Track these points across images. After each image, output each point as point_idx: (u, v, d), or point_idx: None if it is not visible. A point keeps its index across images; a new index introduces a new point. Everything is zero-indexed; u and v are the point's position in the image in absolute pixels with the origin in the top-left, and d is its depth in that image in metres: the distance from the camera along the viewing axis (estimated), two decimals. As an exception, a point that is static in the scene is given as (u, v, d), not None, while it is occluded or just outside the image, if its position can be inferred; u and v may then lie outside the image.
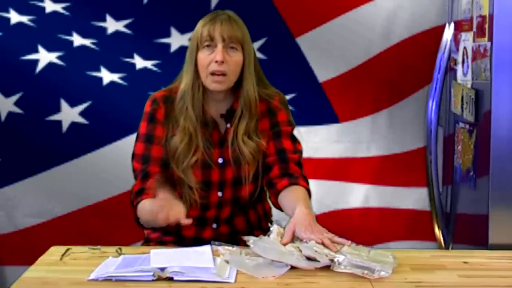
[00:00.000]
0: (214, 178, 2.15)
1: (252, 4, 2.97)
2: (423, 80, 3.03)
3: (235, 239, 2.08)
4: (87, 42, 3.05)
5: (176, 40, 3.06)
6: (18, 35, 3.00)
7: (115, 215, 2.95)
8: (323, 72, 3.11)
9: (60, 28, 3.04)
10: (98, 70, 3.03)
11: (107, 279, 1.72)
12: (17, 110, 3.01)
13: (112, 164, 3.00)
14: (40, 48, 3.01)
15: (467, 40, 2.53)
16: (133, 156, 2.17)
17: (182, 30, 3.05)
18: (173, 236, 2.19)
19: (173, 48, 3.06)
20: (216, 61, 2.07)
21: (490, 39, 2.26)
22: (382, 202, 3.19)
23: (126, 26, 3.06)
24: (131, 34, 3.06)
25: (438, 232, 2.89)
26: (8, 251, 3.09)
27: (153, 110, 2.16)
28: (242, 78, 2.14)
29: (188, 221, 1.88)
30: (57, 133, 3.02)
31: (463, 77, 2.57)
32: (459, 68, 2.65)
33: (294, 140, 2.21)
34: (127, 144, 2.90)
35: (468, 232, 2.56)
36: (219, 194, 2.16)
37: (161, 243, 2.19)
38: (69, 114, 3.01)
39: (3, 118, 3.02)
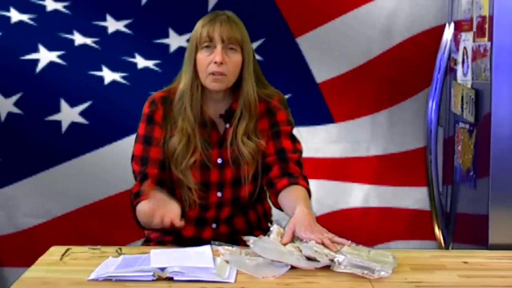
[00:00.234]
0: (213, 179, 2.15)
1: (254, 4, 2.97)
2: (423, 80, 3.03)
3: (235, 239, 2.08)
4: (88, 41, 3.05)
5: (174, 41, 3.07)
6: (19, 34, 3.00)
7: (115, 215, 2.95)
8: (322, 73, 3.11)
9: (61, 26, 3.04)
10: (100, 69, 3.03)
11: (107, 279, 1.72)
12: (16, 110, 3.01)
13: (112, 164, 3.01)
14: (41, 47, 3.01)
15: (467, 40, 2.53)
16: (133, 157, 2.17)
17: (180, 32, 3.05)
18: (173, 236, 2.19)
19: (172, 48, 3.06)
20: (215, 62, 2.07)
21: (490, 39, 2.26)
22: (382, 202, 3.20)
23: (126, 26, 3.07)
24: (132, 34, 3.07)
25: (438, 232, 2.89)
26: (8, 251, 3.09)
27: (151, 111, 2.16)
28: (241, 78, 2.14)
29: (182, 223, 1.89)
30: (57, 133, 3.02)
31: (463, 77, 2.57)
32: (459, 68, 2.65)
33: (294, 139, 2.21)
34: (127, 144, 2.90)
35: (468, 232, 2.56)
36: (219, 194, 2.16)
37: (161, 243, 2.19)
38: (68, 114, 3.01)
39: (2, 118, 3.02)
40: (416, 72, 3.09)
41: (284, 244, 1.87)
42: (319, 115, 3.14)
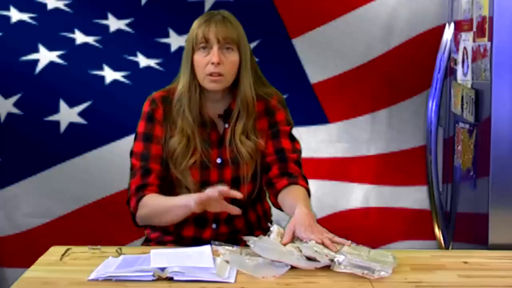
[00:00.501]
0: (213, 179, 2.15)
1: (252, 5, 2.97)
2: (423, 80, 3.03)
3: (235, 239, 2.08)
4: (89, 39, 3.05)
5: (175, 40, 3.07)
6: (19, 34, 3.00)
7: (115, 214, 2.95)
8: (316, 74, 3.11)
9: (62, 25, 3.04)
10: (101, 68, 3.03)
11: (107, 279, 1.72)
12: (16, 111, 3.01)
13: (112, 163, 3.00)
14: (41, 47, 3.01)
15: (467, 40, 2.53)
16: (132, 154, 2.16)
17: (179, 31, 3.05)
18: (173, 236, 2.19)
19: (174, 47, 3.06)
20: (213, 63, 2.08)
21: (490, 39, 2.26)
22: (382, 202, 3.19)
23: (127, 24, 3.06)
24: (133, 33, 3.07)
25: (438, 231, 2.89)
26: (8, 251, 3.09)
27: (152, 110, 2.16)
28: (239, 77, 2.14)
29: (238, 211, 1.95)
30: (56, 133, 3.02)
31: (463, 77, 2.57)
32: (459, 68, 2.65)
33: (293, 139, 2.21)
34: (127, 143, 2.90)
35: (468, 232, 2.56)
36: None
37: (161, 243, 2.19)
38: (67, 115, 3.01)
39: (2, 119, 3.02)
40: (416, 72, 3.09)
41: (284, 244, 1.86)
42: (313, 115, 3.14)
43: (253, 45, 3.00)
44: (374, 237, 3.07)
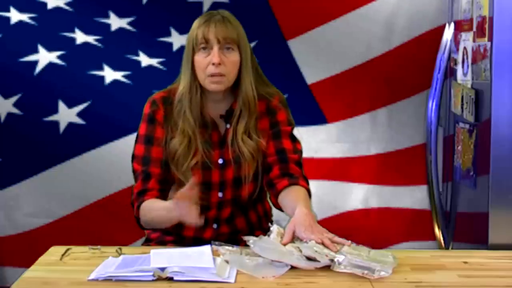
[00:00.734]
0: (215, 179, 2.15)
1: (248, 6, 2.97)
2: (423, 80, 3.03)
3: (235, 239, 2.08)
4: (90, 39, 3.05)
5: (176, 39, 3.06)
6: (18, 36, 3.00)
7: (116, 215, 2.95)
8: (313, 74, 3.11)
9: (62, 25, 3.03)
10: (101, 68, 3.03)
11: (107, 279, 1.72)
12: (16, 111, 3.01)
13: (111, 163, 3.01)
14: (40, 48, 3.01)
15: (467, 40, 2.53)
16: (133, 157, 2.17)
17: (181, 31, 3.05)
18: (173, 236, 2.19)
19: (175, 47, 3.06)
20: (213, 64, 2.07)
21: (490, 39, 2.26)
22: (382, 202, 3.19)
23: (129, 23, 3.06)
24: (135, 32, 3.06)
25: (438, 231, 2.89)
26: (8, 252, 3.09)
27: (153, 111, 2.15)
28: (240, 77, 2.13)
29: (201, 221, 1.89)
30: (55, 133, 3.02)
31: (463, 77, 2.57)
32: (459, 68, 2.65)
33: (294, 139, 2.21)
34: (126, 143, 2.91)
35: (468, 232, 2.56)
36: (220, 194, 2.16)
37: (161, 243, 2.19)
38: (66, 115, 3.01)
39: (2, 119, 3.02)
40: (416, 72, 3.09)
41: (284, 244, 1.86)
42: (312, 115, 3.14)
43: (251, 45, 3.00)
44: (374, 237, 3.07)
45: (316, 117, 3.15)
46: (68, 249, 1.95)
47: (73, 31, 3.04)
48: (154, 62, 3.06)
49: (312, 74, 3.12)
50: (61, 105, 3.01)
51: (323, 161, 3.17)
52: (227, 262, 1.82)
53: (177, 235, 2.18)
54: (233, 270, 1.78)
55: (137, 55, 3.06)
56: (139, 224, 2.13)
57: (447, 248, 2.84)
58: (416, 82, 3.11)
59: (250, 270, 1.77)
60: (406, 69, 3.12)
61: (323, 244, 1.84)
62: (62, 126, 3.03)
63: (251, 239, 1.86)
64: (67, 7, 3.03)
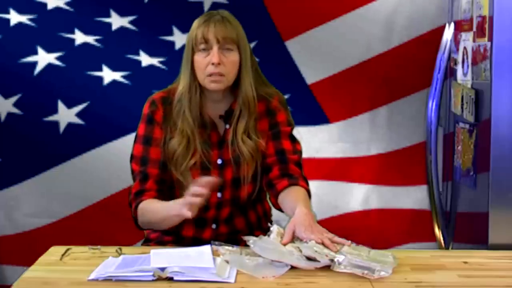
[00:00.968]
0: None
1: (246, 7, 2.97)
2: (423, 80, 3.03)
3: (235, 239, 2.08)
4: (90, 39, 3.04)
5: (179, 38, 3.06)
6: (18, 37, 3.00)
7: (116, 215, 2.95)
8: (314, 75, 3.11)
9: (62, 25, 3.03)
10: (100, 69, 3.03)
11: (107, 279, 1.72)
12: (16, 111, 3.01)
13: (112, 163, 3.01)
14: (39, 50, 3.01)
15: (467, 40, 2.53)
16: (132, 157, 2.17)
17: (183, 30, 3.05)
18: (173, 236, 2.19)
19: (178, 46, 3.06)
20: (213, 63, 2.07)
21: (490, 39, 2.26)
22: (383, 202, 3.19)
23: (131, 22, 3.06)
24: (137, 31, 3.06)
25: (438, 231, 2.88)
26: (8, 252, 3.09)
27: (152, 111, 2.15)
28: (240, 77, 2.13)
29: (189, 214, 1.90)
30: (55, 133, 3.03)
31: (463, 77, 2.57)
32: (459, 68, 2.65)
33: (294, 140, 2.21)
34: (125, 143, 2.91)
35: (468, 232, 2.56)
36: (218, 195, 2.15)
37: (161, 243, 2.19)
38: (65, 115, 3.01)
39: (2, 118, 3.03)
40: (416, 72, 3.10)
41: (284, 244, 1.86)
42: (313, 115, 3.13)
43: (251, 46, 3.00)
44: (374, 237, 3.07)
45: (318, 117, 3.14)
46: (68, 249, 1.95)
47: (72, 32, 3.04)
48: (155, 61, 3.06)
49: (312, 74, 3.12)
50: (61, 105, 3.02)
51: (323, 161, 3.17)
52: (227, 262, 1.82)
53: (176, 235, 2.18)
54: (233, 270, 1.78)
55: (138, 54, 3.06)
56: (137, 224, 2.13)
57: (447, 248, 2.84)
58: (416, 82, 3.11)
59: (250, 270, 1.77)
60: (405, 69, 3.12)
61: (323, 244, 1.84)
62: (62, 126, 3.03)
63: (251, 239, 1.86)
64: (67, 7, 3.03)
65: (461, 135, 2.57)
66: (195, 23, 2.14)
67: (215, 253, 1.87)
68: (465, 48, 2.56)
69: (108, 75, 3.03)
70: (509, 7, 2.23)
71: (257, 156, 2.15)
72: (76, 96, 3.03)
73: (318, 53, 3.11)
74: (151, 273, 1.72)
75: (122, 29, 3.05)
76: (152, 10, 3.06)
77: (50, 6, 3.02)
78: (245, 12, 2.86)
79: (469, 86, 2.48)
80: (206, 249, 1.89)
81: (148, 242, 2.24)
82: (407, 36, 3.11)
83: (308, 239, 1.85)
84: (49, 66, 3.01)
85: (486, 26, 2.30)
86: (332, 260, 1.79)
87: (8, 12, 3.01)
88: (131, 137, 2.24)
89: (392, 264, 1.81)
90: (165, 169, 2.13)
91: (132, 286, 1.69)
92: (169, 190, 2.15)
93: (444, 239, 2.87)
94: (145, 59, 3.06)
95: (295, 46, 3.10)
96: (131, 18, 3.06)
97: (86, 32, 3.04)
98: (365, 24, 3.09)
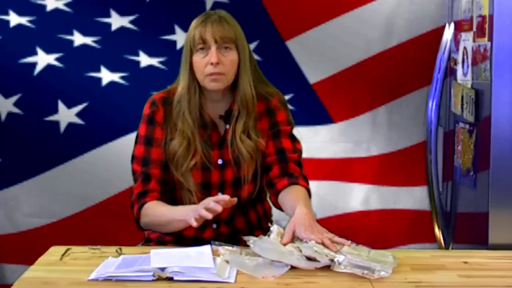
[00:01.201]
0: (214, 180, 2.15)
1: (246, 7, 2.97)
2: (423, 80, 3.03)
3: (235, 239, 2.08)
4: (88, 40, 3.04)
5: (181, 37, 3.05)
6: (17, 38, 3.00)
7: (117, 215, 2.95)
8: (315, 74, 3.11)
9: (61, 27, 3.03)
10: (98, 70, 3.03)
11: (107, 279, 1.72)
12: (16, 110, 3.02)
13: (112, 163, 3.01)
14: (39, 51, 3.01)
15: (467, 40, 2.53)
16: (133, 158, 2.17)
17: (185, 28, 3.04)
18: (173, 236, 2.18)
19: (179, 45, 3.05)
20: (212, 63, 2.07)
21: (490, 39, 2.26)
22: (383, 202, 3.19)
23: (131, 22, 3.05)
24: (137, 30, 3.05)
25: (438, 231, 2.88)
26: (8, 252, 3.09)
27: (152, 112, 2.15)
28: (238, 76, 2.13)
29: (195, 224, 1.91)
30: (55, 133, 3.03)
31: (463, 77, 2.57)
32: (459, 68, 2.65)
33: (294, 139, 2.21)
34: (124, 143, 2.91)
35: (468, 232, 2.56)
36: (219, 195, 2.15)
37: (161, 243, 2.19)
38: (66, 115, 3.02)
39: (3, 118, 3.03)
40: (416, 72, 3.10)
41: (284, 244, 1.87)
42: (318, 115, 3.13)
43: (251, 46, 2.99)
44: (374, 237, 3.07)
45: (322, 117, 3.14)
46: (68, 249, 1.95)
47: (71, 33, 3.04)
48: (154, 61, 3.06)
49: (314, 74, 3.12)
50: (61, 105, 3.02)
51: (324, 161, 3.16)
52: (227, 262, 1.82)
53: (177, 235, 2.17)
54: (233, 270, 1.78)
55: (137, 55, 3.05)
56: (139, 225, 2.13)
57: (447, 248, 2.84)
58: (416, 82, 3.11)
59: (250, 270, 1.77)
60: (405, 68, 3.12)
61: (323, 244, 1.84)
62: (62, 126, 3.03)
63: (251, 239, 1.86)
64: (66, 8, 3.03)
65: (461, 135, 2.57)
66: (193, 24, 2.14)
67: (215, 253, 1.87)
68: (465, 48, 2.56)
69: (106, 76, 3.03)
70: (509, 7, 2.23)
71: (256, 156, 2.15)
72: (76, 96, 3.03)
73: (318, 53, 3.11)
74: (151, 273, 1.72)
75: (122, 29, 3.05)
76: (154, 9, 3.06)
77: (49, 7, 3.02)
78: (246, 11, 2.87)
79: (469, 86, 2.48)
80: (206, 249, 1.89)
81: (149, 242, 2.24)
82: (407, 36, 3.11)
83: (308, 239, 1.85)
84: (49, 66, 3.01)
85: (486, 26, 2.30)
86: (332, 260, 1.79)
87: (7, 14, 3.01)
88: (131, 137, 2.24)
89: (392, 264, 1.81)
90: (167, 169, 2.13)
91: (132, 286, 1.69)
92: (171, 191, 2.15)
93: (444, 239, 2.87)
94: (144, 60, 3.06)
95: (296, 46, 3.10)
96: (131, 17, 3.05)
97: (85, 33, 3.04)
98: (365, 24, 3.09)
